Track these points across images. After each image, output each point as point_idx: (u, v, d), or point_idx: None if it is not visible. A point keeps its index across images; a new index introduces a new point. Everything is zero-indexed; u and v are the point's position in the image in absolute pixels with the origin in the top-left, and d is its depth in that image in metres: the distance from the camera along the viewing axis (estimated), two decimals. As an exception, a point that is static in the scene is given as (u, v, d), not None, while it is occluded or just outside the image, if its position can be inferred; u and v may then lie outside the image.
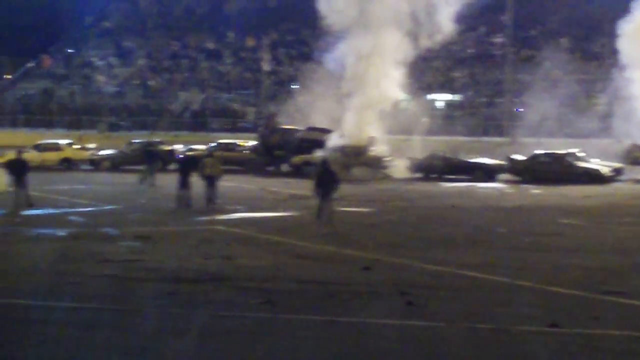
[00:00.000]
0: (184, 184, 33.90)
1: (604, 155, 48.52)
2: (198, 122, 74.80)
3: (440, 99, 74.83)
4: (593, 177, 45.40)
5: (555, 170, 45.87)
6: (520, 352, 14.80)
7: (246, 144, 54.30)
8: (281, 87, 76.61)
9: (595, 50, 74.24)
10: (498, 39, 79.02)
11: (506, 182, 46.46)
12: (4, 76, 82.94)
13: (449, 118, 69.02)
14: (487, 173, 47.62)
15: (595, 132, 57.96)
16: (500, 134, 66.09)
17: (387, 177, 47.97)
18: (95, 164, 53.83)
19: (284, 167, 52.23)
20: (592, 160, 47.22)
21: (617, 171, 46.94)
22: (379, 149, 49.59)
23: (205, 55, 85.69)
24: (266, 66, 78.31)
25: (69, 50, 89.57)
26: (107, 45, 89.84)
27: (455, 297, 18.48)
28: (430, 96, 71.42)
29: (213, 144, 53.77)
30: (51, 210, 33.25)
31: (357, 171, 47.61)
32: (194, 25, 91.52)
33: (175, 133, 69.31)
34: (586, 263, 22.56)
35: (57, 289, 19.28)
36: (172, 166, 46.80)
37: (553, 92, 61.67)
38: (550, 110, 59.94)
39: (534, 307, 17.57)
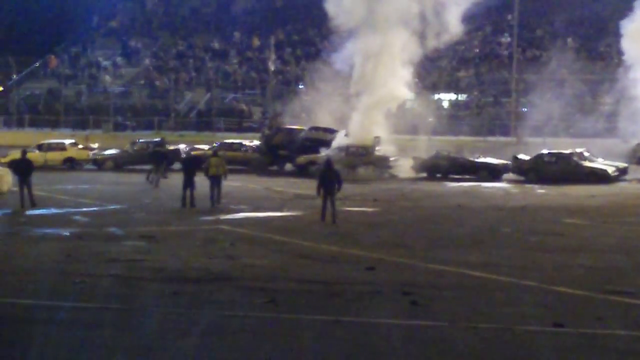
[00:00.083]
0: (189, 183, 33.90)
1: (609, 155, 48.45)
2: (204, 122, 74.83)
3: (446, 98, 74.77)
4: (599, 177, 45.33)
5: (560, 170, 45.80)
6: (524, 352, 14.80)
7: (250, 144, 54.28)
8: (287, 87, 76.61)
9: (601, 50, 74.14)
10: (504, 39, 78.97)
11: (511, 181, 46.42)
12: (10, 76, 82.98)
13: (454, 118, 68.94)
14: (492, 173, 47.58)
15: (600, 132, 57.91)
16: (506, 134, 66.05)
17: (392, 177, 47.93)
18: (99, 163, 53.87)
19: (288, 167, 52.23)
20: (597, 160, 47.14)
21: (622, 171, 46.87)
22: (384, 149, 49.56)
23: (211, 55, 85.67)
24: (272, 66, 78.31)
25: (75, 50, 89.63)
26: (113, 45, 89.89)
27: (459, 297, 18.48)
28: (435, 96, 71.38)
29: (216, 144, 53.80)
30: (56, 210, 33.27)
31: (362, 171, 47.63)
32: (200, 25, 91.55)
33: (181, 133, 69.34)
34: (590, 263, 22.54)
35: (62, 288, 19.32)
36: (176, 166, 46.69)
37: (559, 92, 61.66)
38: (555, 110, 59.89)
39: (538, 307, 17.56)
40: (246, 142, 54.71)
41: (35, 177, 34.41)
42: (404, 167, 48.71)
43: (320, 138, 51.31)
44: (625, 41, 56.31)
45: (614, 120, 57.51)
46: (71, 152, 54.25)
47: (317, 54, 74.74)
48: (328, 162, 31.84)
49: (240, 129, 71.44)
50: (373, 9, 51.63)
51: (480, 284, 19.87)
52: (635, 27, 54.60)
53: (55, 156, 53.53)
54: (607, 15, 63.10)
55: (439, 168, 48.38)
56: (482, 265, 21.89)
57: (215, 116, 75.43)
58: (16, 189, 34.41)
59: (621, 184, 45.33)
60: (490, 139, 64.41)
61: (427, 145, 52.24)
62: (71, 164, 53.58)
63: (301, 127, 53.55)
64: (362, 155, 48.55)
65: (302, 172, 48.74)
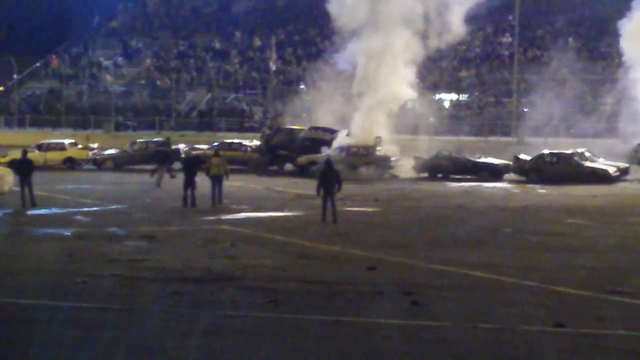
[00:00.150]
0: (189, 183, 33.90)
1: (610, 155, 48.42)
2: (205, 122, 74.78)
3: (447, 98, 74.72)
4: (600, 177, 45.30)
5: (561, 170, 45.77)
6: (525, 352, 14.81)
7: (249, 144, 54.29)
8: (288, 87, 76.59)
9: (602, 50, 74.09)
10: (505, 39, 78.91)
11: (512, 182, 46.39)
12: (12, 76, 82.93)
13: (455, 118, 68.89)
14: (494, 173, 47.55)
15: (601, 132, 57.87)
16: (507, 134, 65.97)
17: (393, 177, 47.92)
18: (98, 163, 53.85)
19: (287, 167, 52.23)
20: (598, 160, 47.12)
21: (623, 171, 46.84)
22: (385, 149, 49.55)
23: (212, 55, 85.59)
24: (273, 66, 78.25)
25: (76, 50, 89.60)
26: (115, 45, 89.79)
27: (460, 297, 18.49)
28: (437, 96, 71.33)
29: (216, 143, 53.83)
30: (57, 210, 33.29)
31: (363, 171, 47.63)
32: (201, 25, 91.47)
33: (182, 133, 69.32)
34: (591, 263, 22.55)
35: (63, 288, 19.34)
36: (176, 165, 46.63)
37: (560, 92, 61.60)
38: (556, 110, 59.84)
39: (539, 307, 17.57)
40: (246, 142, 54.70)
41: (36, 177, 34.42)
42: (405, 167, 48.69)
43: (319, 138, 51.33)
44: (624, 41, 56.24)
45: (615, 120, 57.46)
46: (71, 152, 54.21)
47: (318, 53, 74.70)
48: (328, 162, 31.85)
49: (241, 129, 71.37)
50: (376, 9, 51.63)
51: (481, 284, 19.88)
52: (633, 27, 54.51)
53: (54, 156, 53.49)
54: (608, 15, 63.04)
55: (440, 168, 48.35)
56: (483, 265, 21.90)
57: (217, 116, 75.40)
58: (17, 188, 34.43)
59: (622, 184, 45.30)
60: (492, 139, 64.34)
61: (428, 146, 52.21)
62: (71, 163, 53.54)
63: (300, 127, 53.53)
64: (363, 155, 48.55)
65: (303, 172, 48.71)
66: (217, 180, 34.13)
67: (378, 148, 49.09)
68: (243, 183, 43.09)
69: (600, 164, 46.70)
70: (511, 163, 47.63)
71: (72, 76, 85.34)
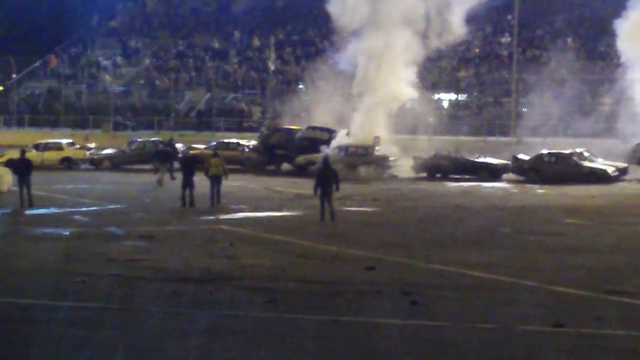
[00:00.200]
0: (188, 183, 33.90)
1: (608, 155, 48.44)
2: (204, 122, 74.78)
3: (446, 98, 74.72)
4: (599, 177, 45.30)
5: (560, 170, 45.77)
6: (524, 351, 14.81)
7: (247, 143, 54.30)
8: (287, 87, 76.58)
9: (601, 50, 74.09)
10: (504, 39, 78.92)
11: (511, 181, 46.39)
12: (11, 75, 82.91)
13: (454, 118, 68.93)
14: (492, 173, 47.57)
15: (600, 132, 57.86)
16: (506, 134, 65.97)
17: (392, 177, 47.92)
18: (96, 163, 53.84)
19: (285, 167, 52.24)
20: (597, 160, 47.12)
21: (622, 171, 46.85)
22: (384, 149, 49.55)
23: (211, 55, 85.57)
24: (272, 66, 78.27)
25: (75, 50, 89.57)
26: (114, 44, 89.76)
27: (459, 297, 18.49)
28: (436, 96, 71.33)
29: (213, 143, 53.89)
30: (55, 210, 33.28)
31: (362, 170, 47.65)
32: (200, 25, 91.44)
33: (181, 133, 69.28)
34: (590, 263, 22.56)
35: (62, 288, 19.33)
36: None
37: (558, 92, 61.58)
38: (555, 110, 59.85)
39: (538, 307, 17.58)
40: (243, 142, 54.72)
41: (33, 177, 34.34)
42: (404, 167, 48.69)
43: (317, 137, 51.35)
44: (620, 41, 56.17)
45: (614, 120, 57.46)
46: (68, 152, 54.18)
47: (317, 53, 74.70)
48: (325, 162, 31.85)
49: (240, 129, 71.38)
50: (377, 9, 51.63)
51: (480, 284, 19.89)
52: (630, 26, 54.44)
53: (52, 156, 53.45)
54: (607, 15, 63.01)
55: (439, 168, 48.35)
56: (481, 265, 21.91)
57: (215, 116, 75.41)
58: (16, 188, 34.42)
59: (621, 184, 45.31)
60: (490, 139, 64.35)
61: (427, 145, 52.21)
62: (68, 163, 53.53)
63: (297, 127, 53.53)
64: (362, 155, 48.55)
65: (301, 171, 48.70)
66: (216, 181, 34.13)
67: (377, 148, 49.10)
68: (242, 183, 43.09)
69: (599, 163, 46.70)
70: (510, 163, 47.63)
71: (71, 76, 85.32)
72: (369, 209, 34.34)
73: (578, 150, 47.13)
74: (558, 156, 46.67)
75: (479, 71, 76.72)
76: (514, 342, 15.20)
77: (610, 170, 46.08)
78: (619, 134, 54.84)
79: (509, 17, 75.09)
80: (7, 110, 79.67)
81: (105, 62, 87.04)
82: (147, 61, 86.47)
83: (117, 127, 74.51)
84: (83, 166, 53.76)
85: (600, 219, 31.85)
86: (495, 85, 74.29)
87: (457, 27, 52.10)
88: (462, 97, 75.47)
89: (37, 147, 53.34)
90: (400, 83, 51.67)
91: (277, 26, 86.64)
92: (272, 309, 17.23)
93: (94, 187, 42.45)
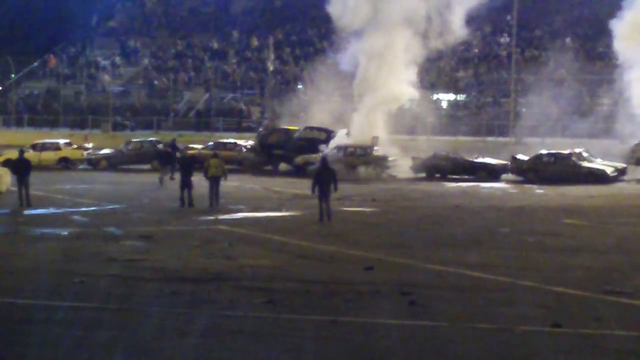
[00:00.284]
0: (186, 183, 33.91)
1: (607, 156, 48.46)
2: (203, 122, 74.79)
3: (445, 98, 74.72)
4: (598, 177, 45.32)
5: (559, 170, 45.79)
6: (523, 352, 14.82)
7: (244, 143, 54.33)
8: (286, 87, 76.57)
9: (600, 50, 74.08)
10: (503, 39, 78.93)
11: (510, 182, 46.40)
12: (9, 75, 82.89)
13: (453, 118, 68.95)
14: (491, 173, 47.59)
15: (599, 132, 57.86)
16: (505, 134, 65.98)
17: (391, 177, 47.92)
18: (93, 163, 53.84)
19: (283, 167, 52.25)
20: (595, 160, 47.13)
21: (621, 171, 46.86)
22: (383, 149, 49.55)
23: (210, 55, 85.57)
24: (271, 66, 78.31)
25: (74, 50, 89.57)
26: (112, 44, 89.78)
27: (458, 297, 18.50)
28: (435, 96, 71.33)
29: (210, 143, 53.95)
30: (54, 210, 33.29)
31: (362, 170, 47.66)
32: (198, 25, 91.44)
33: (180, 133, 69.28)
34: (589, 263, 22.56)
35: (60, 288, 19.33)
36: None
37: (557, 92, 61.59)
38: (554, 111, 59.87)
39: (537, 307, 17.58)
40: (240, 142, 54.74)
41: (32, 177, 34.33)
42: (403, 167, 48.69)
43: (314, 137, 51.37)
44: (617, 42, 56.06)
45: (613, 120, 57.44)
46: (65, 152, 54.19)
47: (316, 53, 74.69)
48: (323, 162, 31.87)
49: (239, 129, 71.41)
50: (378, 10, 51.64)
51: (479, 284, 19.88)
52: (625, 27, 54.33)
53: (49, 156, 53.45)
54: (605, 15, 63.01)
55: (438, 168, 48.36)
56: (480, 265, 21.91)
57: (214, 116, 75.40)
58: (14, 188, 34.43)
59: (620, 185, 45.33)
60: (489, 139, 64.37)
61: (426, 146, 52.22)
62: (65, 163, 53.54)
63: (292, 127, 53.50)
64: (360, 155, 48.56)
65: (300, 172, 48.70)
66: (215, 181, 34.12)
67: (375, 148, 49.10)
68: (240, 183, 43.10)
69: (598, 164, 46.72)
70: (509, 163, 47.64)
71: (70, 76, 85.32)
72: (368, 209, 34.33)
73: (577, 150, 47.15)
74: (557, 156, 46.69)
75: (477, 71, 76.73)
76: (513, 343, 15.19)
77: (609, 170, 46.10)
78: (618, 134, 54.82)
79: (508, 17, 75.07)
80: (6, 110, 79.68)
81: (104, 62, 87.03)
82: (146, 61, 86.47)
83: (116, 127, 74.55)
84: (80, 166, 53.74)
85: (599, 219, 31.87)
86: (494, 86, 74.31)
87: (457, 28, 52.16)
88: (461, 97, 75.47)
89: (34, 147, 53.30)
90: (400, 83, 51.70)
91: (276, 26, 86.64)
92: (270, 309, 17.23)
93: (93, 187, 42.44)
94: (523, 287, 19.47)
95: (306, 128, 52.79)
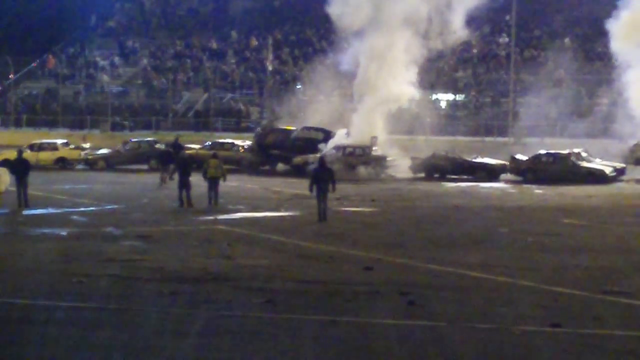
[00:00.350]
0: (184, 183, 33.90)
1: (606, 156, 48.47)
2: (202, 122, 74.78)
3: (444, 98, 74.71)
4: (596, 177, 45.34)
5: (558, 170, 45.80)
6: (522, 352, 14.82)
7: (242, 143, 54.31)
8: (285, 87, 76.55)
9: (598, 50, 74.09)
10: (502, 39, 78.94)
11: (509, 182, 46.40)
12: (8, 76, 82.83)
13: (452, 118, 68.95)
14: (490, 173, 47.59)
15: (598, 132, 57.88)
16: (504, 134, 66.01)
17: (390, 177, 47.91)
18: (91, 163, 53.82)
19: (281, 167, 52.24)
20: (594, 160, 47.14)
21: (620, 171, 46.87)
22: (382, 149, 49.55)
23: (209, 55, 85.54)
24: (270, 66, 78.34)
25: (73, 50, 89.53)
26: (111, 45, 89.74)
27: (457, 297, 18.50)
28: (434, 96, 71.31)
29: (208, 143, 53.94)
30: (53, 210, 33.27)
31: (362, 170, 47.65)
32: (197, 25, 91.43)
33: (178, 133, 69.23)
34: (588, 263, 22.57)
35: (59, 288, 19.32)
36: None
37: (556, 92, 61.61)
38: (553, 111, 59.87)
39: (536, 307, 17.59)
40: (238, 142, 54.72)
41: (30, 177, 34.31)
42: (402, 167, 48.68)
43: (311, 138, 51.36)
44: (614, 42, 55.94)
45: (611, 120, 57.45)
46: (63, 152, 54.16)
47: (315, 53, 74.69)
48: (321, 162, 31.91)
49: (238, 129, 71.39)
50: (380, 10, 51.63)
51: (478, 284, 19.89)
52: (622, 27, 54.23)
53: (46, 156, 53.41)
54: (604, 15, 63.00)
55: (437, 168, 48.36)
56: (479, 265, 21.91)
57: (213, 116, 75.36)
58: (13, 188, 34.42)
59: (619, 185, 45.35)
60: (488, 139, 64.40)
61: (425, 146, 52.19)
62: (63, 163, 53.51)
63: (290, 127, 53.49)
64: (359, 155, 48.54)
65: (299, 172, 48.67)
66: (214, 181, 34.12)
67: (374, 148, 49.09)
68: (239, 183, 43.08)
69: (597, 164, 46.74)
70: (508, 163, 47.64)
71: (69, 76, 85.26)
72: (367, 209, 34.34)
73: (576, 150, 47.17)
74: (556, 156, 46.70)
75: (476, 71, 76.73)
76: (512, 343, 15.19)
77: (608, 170, 46.12)
78: (617, 134, 54.83)
79: (507, 17, 75.07)
80: (4, 111, 79.63)
81: (103, 62, 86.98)
82: (144, 61, 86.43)
83: (115, 127, 74.52)
84: (78, 166, 53.72)
85: (598, 219, 31.88)
86: (493, 86, 74.32)
87: (458, 28, 52.18)
88: (460, 97, 75.46)
89: (31, 147, 53.22)
90: (401, 84, 51.68)
91: (275, 26, 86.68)
92: (269, 309, 17.23)
93: (92, 187, 42.42)
94: (522, 287, 19.48)
95: (303, 128, 52.78)
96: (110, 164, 53.46)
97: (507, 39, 76.62)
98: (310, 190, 30.29)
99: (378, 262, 22.29)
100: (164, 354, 14.53)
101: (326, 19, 56.05)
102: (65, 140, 56.60)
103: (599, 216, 32.69)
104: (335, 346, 15.00)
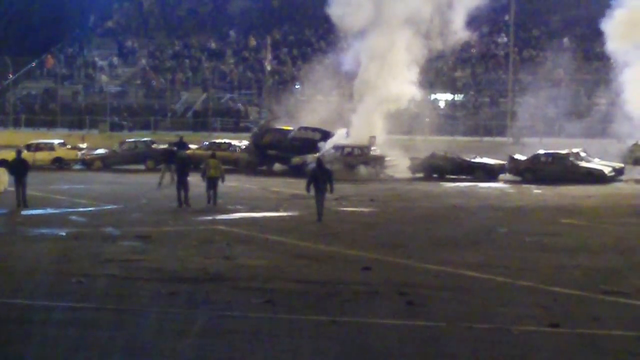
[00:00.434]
0: (182, 183, 33.90)
1: (605, 156, 48.45)
2: (200, 122, 74.73)
3: (443, 98, 74.68)
4: (595, 177, 45.33)
5: (557, 170, 45.79)
6: (521, 352, 14.82)
7: (239, 144, 54.30)
8: (283, 87, 76.50)
9: (597, 50, 74.05)
10: (500, 39, 78.92)
11: (508, 182, 46.40)
12: (7, 76, 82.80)
13: (451, 118, 68.91)
14: (489, 173, 47.58)
15: (596, 132, 57.86)
16: (502, 134, 65.99)
17: (389, 177, 47.90)
18: (87, 163, 53.80)
19: (278, 167, 52.23)
20: (593, 160, 47.12)
21: (619, 171, 46.86)
22: (380, 149, 49.52)
23: (207, 55, 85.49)
24: (268, 66, 78.30)
25: (72, 50, 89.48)
26: (110, 45, 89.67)
27: (455, 297, 18.50)
28: (432, 96, 71.26)
29: (205, 143, 53.94)
30: (52, 210, 33.26)
31: (361, 170, 47.64)
32: (196, 25, 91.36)
33: (177, 133, 69.20)
34: (587, 263, 22.56)
35: (58, 288, 19.32)
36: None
37: (555, 92, 61.58)
38: (552, 110, 59.86)
39: (535, 307, 17.59)
40: (235, 142, 54.70)
41: (28, 178, 34.28)
42: (401, 167, 48.67)
43: (308, 138, 51.34)
44: (610, 42, 55.80)
45: (610, 120, 57.41)
46: (59, 152, 54.16)
47: (314, 53, 74.66)
48: (318, 162, 31.93)
49: (236, 129, 71.35)
50: (381, 10, 51.60)
51: (477, 284, 19.88)
52: (617, 26, 54.12)
53: (43, 156, 53.39)
54: (602, 15, 62.96)
55: (436, 168, 48.36)
56: (478, 265, 21.91)
57: (212, 116, 75.33)
58: (12, 188, 34.42)
59: (617, 184, 45.34)
60: (487, 139, 64.36)
61: (423, 146, 52.19)
62: (60, 163, 53.50)
63: (287, 127, 53.45)
64: (358, 155, 48.53)
65: (297, 172, 48.64)
66: (212, 182, 34.12)
67: (373, 148, 49.08)
68: (238, 183, 43.07)
69: (596, 164, 46.72)
70: (506, 163, 47.65)
71: (68, 76, 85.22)
72: (366, 209, 34.34)
73: (574, 150, 47.15)
74: (554, 156, 46.70)
75: (475, 71, 76.72)
76: (511, 343, 15.20)
77: (607, 170, 46.11)
78: (615, 134, 54.80)
79: (506, 17, 75.09)
80: (3, 111, 79.59)
81: (101, 63, 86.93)
82: (143, 61, 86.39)
83: (114, 127, 74.47)
84: (74, 166, 53.71)
85: (597, 219, 31.87)
86: (491, 86, 74.30)
87: (458, 28, 52.18)
88: (458, 97, 75.41)
89: (28, 147, 53.15)
90: (401, 84, 51.66)
91: (274, 26, 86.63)
92: (268, 309, 17.22)
93: (90, 187, 42.41)
94: (521, 287, 19.48)
95: (300, 128, 52.73)
96: (107, 164, 53.44)
97: (505, 39, 76.61)
98: (308, 190, 30.35)
99: (377, 262, 22.29)
100: (163, 354, 14.53)
101: (325, 19, 56.07)
102: (61, 141, 56.59)
103: (598, 216, 32.69)
104: (334, 346, 14.99)
